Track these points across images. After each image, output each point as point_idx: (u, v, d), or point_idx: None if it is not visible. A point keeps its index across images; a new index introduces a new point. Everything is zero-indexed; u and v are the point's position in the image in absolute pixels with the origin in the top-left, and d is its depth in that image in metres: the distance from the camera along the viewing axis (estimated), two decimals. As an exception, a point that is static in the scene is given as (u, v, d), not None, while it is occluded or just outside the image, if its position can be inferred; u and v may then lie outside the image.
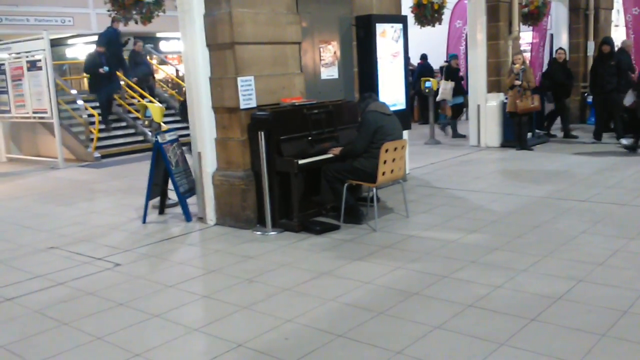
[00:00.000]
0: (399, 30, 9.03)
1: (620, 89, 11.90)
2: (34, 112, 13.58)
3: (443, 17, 13.26)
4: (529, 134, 12.29)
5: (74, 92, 15.19)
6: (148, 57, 17.40)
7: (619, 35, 17.55)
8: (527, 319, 4.29)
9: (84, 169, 12.92)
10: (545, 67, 14.78)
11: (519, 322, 4.25)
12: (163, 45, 23.65)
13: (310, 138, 7.16)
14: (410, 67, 15.29)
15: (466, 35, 13.62)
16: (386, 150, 6.63)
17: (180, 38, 7.45)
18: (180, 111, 12.62)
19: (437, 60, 16.40)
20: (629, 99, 11.35)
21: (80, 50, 22.53)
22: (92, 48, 15.84)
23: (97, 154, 13.88)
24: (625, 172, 9.23)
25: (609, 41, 12.16)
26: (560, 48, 13.53)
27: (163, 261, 6.27)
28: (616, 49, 12.65)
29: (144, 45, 17.10)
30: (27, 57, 13.37)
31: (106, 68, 14.63)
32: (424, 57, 16.79)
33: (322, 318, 4.54)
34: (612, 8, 16.62)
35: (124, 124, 15.96)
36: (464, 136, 13.82)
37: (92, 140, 14.05)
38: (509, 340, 4.00)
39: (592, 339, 3.95)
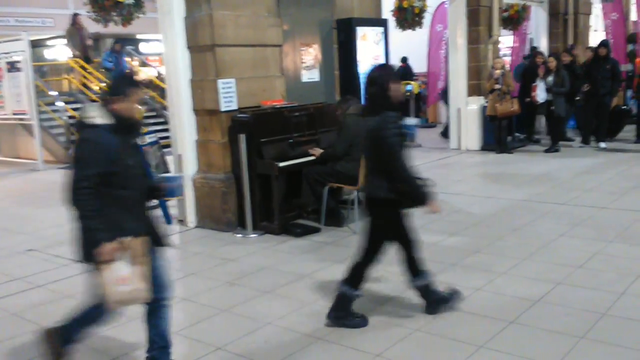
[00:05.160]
0: (379, 33, 9.05)
1: (613, 92, 11.91)
2: (13, 114, 13.46)
3: (424, 20, 13.29)
4: (509, 137, 12.36)
5: (54, 93, 15.06)
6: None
7: (597, 39, 17.72)
8: (506, 322, 4.32)
9: (64, 170, 12.77)
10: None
11: (498, 325, 4.28)
12: (144, 47, 23.54)
13: (291, 141, 7.15)
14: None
15: (447, 39, 13.67)
16: (367, 153, 6.64)
17: (161, 40, 7.42)
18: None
19: (417, 64, 16.48)
20: (542, 95, 11.40)
21: (61, 51, 22.32)
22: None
23: (77, 156, 13.74)
24: (604, 175, 9.32)
25: (606, 44, 12.08)
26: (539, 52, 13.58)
27: (143, 264, 6.23)
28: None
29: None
30: (7, 58, 13.24)
31: None
32: (404, 60, 16.84)
33: (302, 321, 4.54)
34: (590, 13, 16.79)
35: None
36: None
37: (72, 142, 13.92)
38: (487, 342, 4.02)
39: (570, 341, 3.98)
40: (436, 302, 4.52)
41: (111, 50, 16.78)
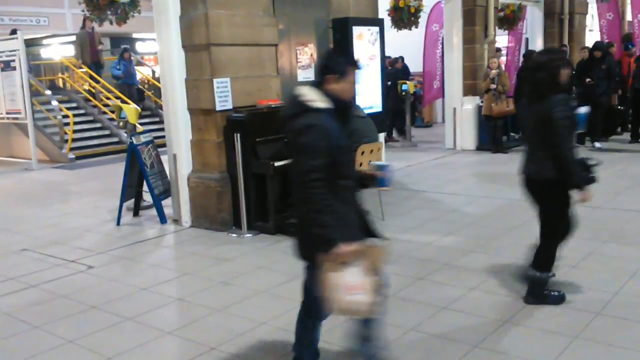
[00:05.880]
0: (375, 33, 9.04)
1: (609, 92, 11.95)
2: (7, 113, 13.41)
3: (420, 20, 13.29)
4: (504, 137, 12.37)
5: (48, 92, 15.02)
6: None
7: (593, 39, 17.76)
8: (501, 321, 4.32)
9: (58, 170, 12.77)
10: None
11: (493, 325, 4.27)
12: (139, 46, 23.51)
13: (286, 140, 7.13)
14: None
15: (442, 38, 13.69)
16: (362, 152, 6.64)
17: (156, 39, 7.40)
18: None
19: (413, 63, 16.48)
20: None
21: (55, 50, 22.29)
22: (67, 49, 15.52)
23: (71, 155, 13.73)
24: (599, 175, 9.29)
25: (600, 46, 12.14)
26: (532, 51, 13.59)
27: (137, 264, 6.22)
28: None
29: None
30: (1, 57, 13.20)
31: None
32: (401, 60, 16.81)
33: (297, 321, 4.52)
34: (586, 13, 16.81)
35: (98, 125, 15.82)
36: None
37: (66, 141, 13.90)
38: (482, 342, 4.02)
39: (564, 340, 3.99)
40: (541, 295, 4.62)
41: (120, 57, 16.42)
